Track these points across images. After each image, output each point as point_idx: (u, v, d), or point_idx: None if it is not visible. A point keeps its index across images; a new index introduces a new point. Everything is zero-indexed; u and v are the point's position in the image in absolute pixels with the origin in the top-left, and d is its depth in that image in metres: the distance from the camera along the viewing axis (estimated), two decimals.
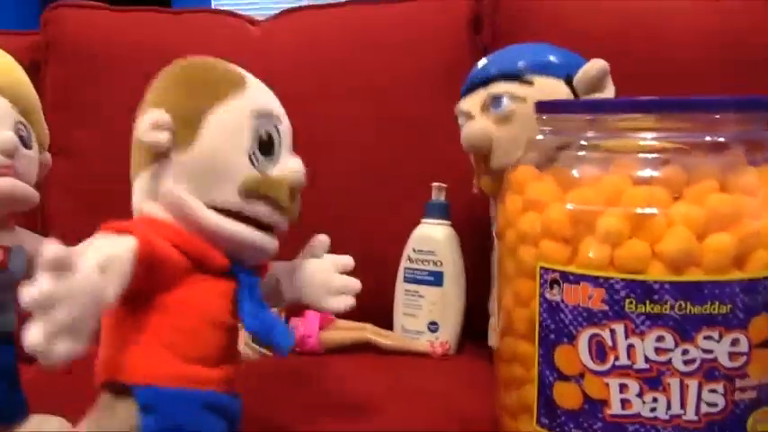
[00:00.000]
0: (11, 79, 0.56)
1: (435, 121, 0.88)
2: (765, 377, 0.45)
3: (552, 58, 0.68)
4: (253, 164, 0.50)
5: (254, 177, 0.49)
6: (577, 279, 0.46)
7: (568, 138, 0.52)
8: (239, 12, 0.95)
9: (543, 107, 0.54)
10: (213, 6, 2.46)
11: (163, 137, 0.47)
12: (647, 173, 0.47)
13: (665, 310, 0.44)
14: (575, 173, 0.50)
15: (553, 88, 0.67)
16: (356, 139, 0.88)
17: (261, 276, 0.53)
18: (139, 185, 0.51)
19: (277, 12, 0.94)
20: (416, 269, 0.80)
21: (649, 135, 0.48)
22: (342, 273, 0.58)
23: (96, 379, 0.46)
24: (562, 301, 0.47)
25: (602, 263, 0.45)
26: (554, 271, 0.47)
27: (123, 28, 0.92)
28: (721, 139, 0.48)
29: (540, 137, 0.54)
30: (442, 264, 0.79)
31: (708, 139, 0.48)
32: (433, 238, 0.80)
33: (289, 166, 0.52)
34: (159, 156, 0.49)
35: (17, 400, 0.55)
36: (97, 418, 0.45)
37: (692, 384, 0.44)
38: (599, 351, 0.46)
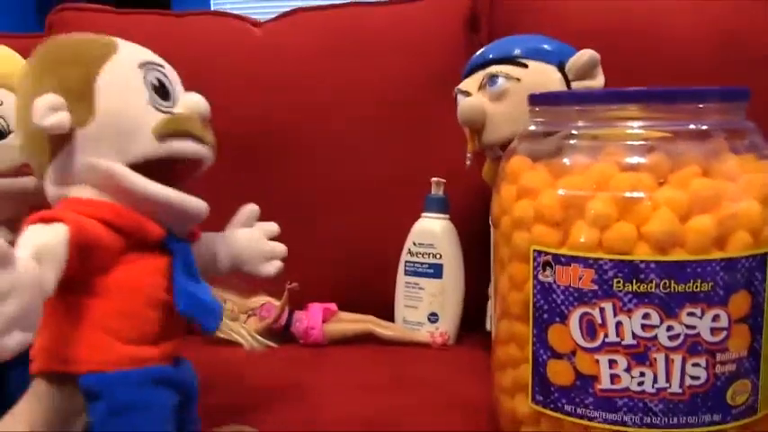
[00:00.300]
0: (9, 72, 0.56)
1: (434, 119, 0.91)
2: (744, 351, 0.48)
3: (546, 46, 0.73)
4: (157, 109, 0.49)
5: (164, 119, 0.49)
6: (568, 261, 0.48)
7: (560, 128, 0.55)
8: (238, 13, 0.98)
9: (536, 99, 0.57)
10: (213, 8, 2.48)
11: (64, 116, 0.46)
12: (633, 160, 0.50)
13: (651, 288, 0.46)
14: (566, 161, 0.53)
15: (546, 72, 0.71)
16: (357, 137, 0.91)
17: (191, 242, 0.53)
18: (53, 177, 0.49)
19: (277, 14, 0.97)
20: (417, 262, 0.83)
21: (636, 124, 0.51)
22: (269, 239, 0.60)
23: (32, 367, 0.45)
24: (554, 282, 0.49)
25: (592, 245, 0.48)
26: (546, 254, 0.49)
27: (127, 30, 0.93)
28: (704, 128, 0.51)
29: (532, 127, 0.57)
30: (441, 256, 0.82)
31: (691, 127, 0.50)
32: (433, 231, 0.83)
33: (187, 100, 0.51)
34: (62, 139, 0.47)
35: None
36: (35, 407, 0.45)
37: (677, 359, 0.47)
38: (589, 329, 0.48)
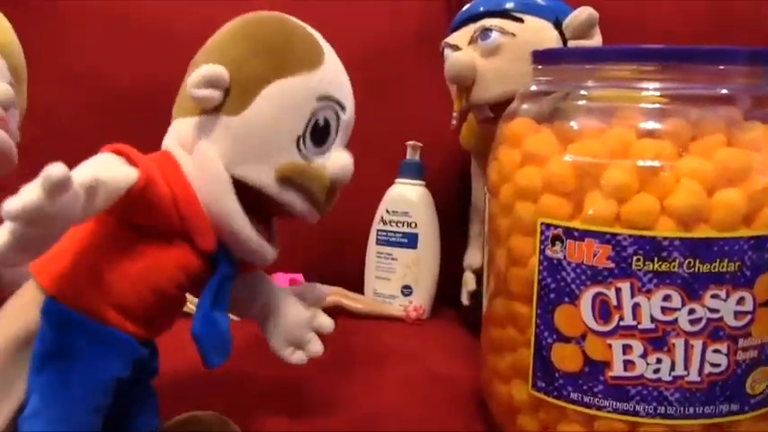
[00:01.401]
0: (8, 41, 0.53)
1: (409, 77, 0.85)
2: (766, 336, 0.44)
3: (541, 1, 0.67)
4: (299, 149, 0.45)
5: (293, 164, 0.45)
6: (582, 235, 0.44)
7: (566, 88, 0.50)
8: None
9: (540, 56, 0.51)
10: None
11: (214, 95, 0.43)
12: (650, 125, 0.45)
13: (674, 267, 0.42)
14: (573, 124, 0.48)
15: (542, 29, 0.66)
16: None
17: (242, 271, 0.49)
18: (177, 129, 0.46)
19: None
20: (390, 231, 0.78)
21: (651, 85, 0.46)
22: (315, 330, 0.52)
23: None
24: (564, 258, 0.44)
25: (609, 218, 0.43)
26: (556, 227, 0.45)
27: None
28: (726, 92, 0.46)
29: (534, 87, 0.52)
30: (416, 225, 0.77)
31: (716, 91, 0.46)
32: (408, 198, 0.78)
33: (335, 159, 0.47)
34: (207, 110, 0.44)
35: None
36: (12, 308, 0.43)
37: (697, 344, 0.43)
38: (603, 311, 0.44)
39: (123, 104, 0.82)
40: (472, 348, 0.67)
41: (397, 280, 0.77)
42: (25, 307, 0.42)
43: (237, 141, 0.44)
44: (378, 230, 0.78)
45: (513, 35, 0.65)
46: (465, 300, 0.79)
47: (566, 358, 0.45)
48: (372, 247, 0.79)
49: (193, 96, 0.43)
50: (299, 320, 0.51)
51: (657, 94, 0.46)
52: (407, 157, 0.79)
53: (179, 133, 0.46)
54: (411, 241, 0.77)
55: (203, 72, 0.43)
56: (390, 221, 0.77)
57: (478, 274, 0.79)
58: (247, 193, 0.44)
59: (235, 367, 0.60)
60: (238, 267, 0.47)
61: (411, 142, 0.78)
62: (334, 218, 0.80)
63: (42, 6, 0.85)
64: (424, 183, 0.79)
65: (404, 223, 0.77)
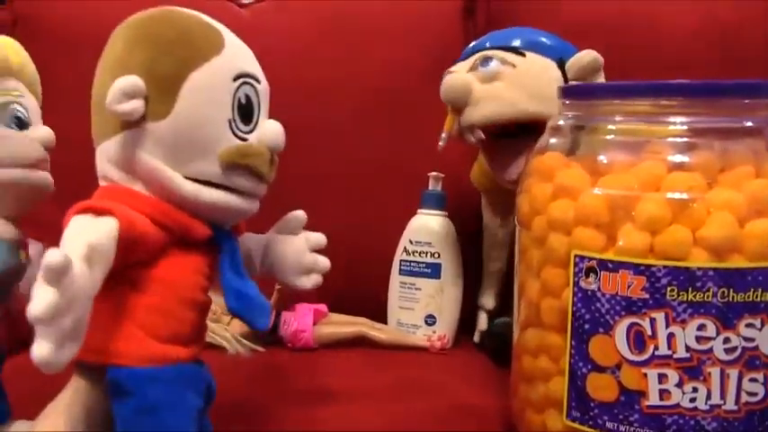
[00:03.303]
0: (30, 69, 0.54)
1: (429, 109, 0.86)
2: None
3: (546, 40, 0.69)
4: (233, 132, 0.46)
5: (234, 148, 0.46)
6: (616, 267, 0.44)
7: (594, 123, 0.51)
8: None
9: (568, 91, 0.53)
10: None
11: (136, 106, 0.43)
12: (678, 158, 0.46)
13: (708, 297, 0.43)
14: (603, 158, 0.49)
15: (544, 65, 0.67)
16: (349, 127, 0.86)
17: (238, 235, 0.51)
18: (106, 152, 0.46)
19: None
20: (413, 261, 0.78)
21: (678, 119, 0.47)
22: (313, 251, 0.55)
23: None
24: (599, 289, 0.45)
25: (643, 250, 0.44)
26: (590, 259, 0.45)
27: (102, 6, 0.87)
28: (752, 125, 0.47)
29: (561, 122, 0.53)
30: (439, 255, 0.78)
31: (740, 124, 0.47)
32: (431, 228, 0.78)
33: (266, 129, 0.48)
34: (130, 123, 0.44)
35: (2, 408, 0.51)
36: (65, 401, 0.43)
37: (733, 374, 0.43)
38: (637, 341, 0.44)
39: None
40: (498, 378, 0.68)
41: (421, 309, 0.78)
42: (78, 391, 0.43)
43: (172, 142, 0.44)
44: (401, 261, 0.79)
45: (513, 65, 0.66)
46: (476, 338, 0.80)
47: (601, 388, 0.46)
48: (396, 278, 0.80)
49: (119, 112, 0.43)
50: (296, 250, 0.54)
51: (685, 127, 0.47)
52: (430, 187, 0.80)
53: (110, 156, 0.46)
54: (434, 271, 0.78)
55: (119, 86, 0.43)
56: (414, 252, 0.78)
57: (491, 315, 0.80)
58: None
59: (252, 401, 0.61)
60: (234, 235, 0.50)
61: (433, 173, 0.79)
62: (358, 248, 0.81)
63: (57, 35, 0.86)
64: (446, 213, 0.79)
65: (427, 253, 0.78)
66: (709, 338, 0.43)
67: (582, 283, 0.46)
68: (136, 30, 0.46)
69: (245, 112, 0.47)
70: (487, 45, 0.70)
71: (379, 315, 0.81)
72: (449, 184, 0.81)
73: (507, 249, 0.79)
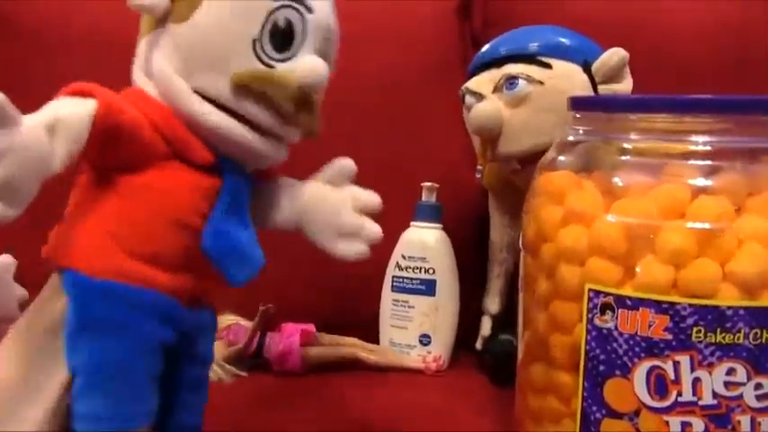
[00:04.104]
0: None
1: (423, 116, 0.82)
2: None
3: (566, 41, 0.64)
4: (256, 54, 0.40)
5: (249, 70, 0.40)
6: (636, 304, 0.40)
7: (607, 139, 0.47)
8: None
9: (579, 104, 0.48)
10: None
11: (155, 2, 0.40)
12: (700, 182, 0.42)
13: (738, 339, 0.39)
14: (618, 180, 0.45)
15: (571, 74, 0.62)
16: (337, 135, 0.80)
17: (257, 182, 0.45)
18: (138, 53, 0.43)
19: None
20: (406, 277, 0.74)
21: (702, 138, 0.43)
22: (360, 212, 0.46)
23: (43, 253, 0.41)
24: (616, 328, 0.41)
25: (665, 285, 0.40)
26: (606, 294, 0.41)
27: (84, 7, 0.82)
28: None
29: (571, 137, 0.49)
30: (434, 271, 0.73)
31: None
32: (425, 242, 0.74)
33: (302, 63, 0.41)
34: (157, 22, 0.41)
35: None
36: (35, 306, 0.40)
37: (765, 422, 0.39)
38: (659, 385, 0.40)
39: None
40: (499, 402, 0.64)
41: (415, 329, 0.74)
42: (49, 297, 0.40)
43: (188, 49, 0.40)
44: (393, 277, 0.74)
45: (542, 83, 0.61)
46: (479, 345, 0.76)
47: None
48: (388, 295, 0.75)
49: (135, 4, 0.40)
50: (338, 204, 0.45)
51: (708, 147, 0.43)
52: (423, 198, 0.75)
53: (138, 58, 0.43)
54: (429, 288, 0.73)
55: None
56: (407, 267, 0.74)
57: (496, 320, 0.76)
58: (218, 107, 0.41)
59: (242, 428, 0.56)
60: (257, 179, 0.44)
61: (427, 183, 0.75)
62: (347, 264, 0.76)
63: (31, 36, 0.81)
64: (441, 225, 0.75)
65: (421, 269, 0.73)
66: (740, 384, 0.39)
67: (597, 321, 0.42)
68: None
69: (281, 37, 0.41)
70: (502, 52, 0.65)
71: (371, 335, 0.76)
72: (444, 195, 0.76)
73: (514, 252, 0.75)
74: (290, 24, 0.41)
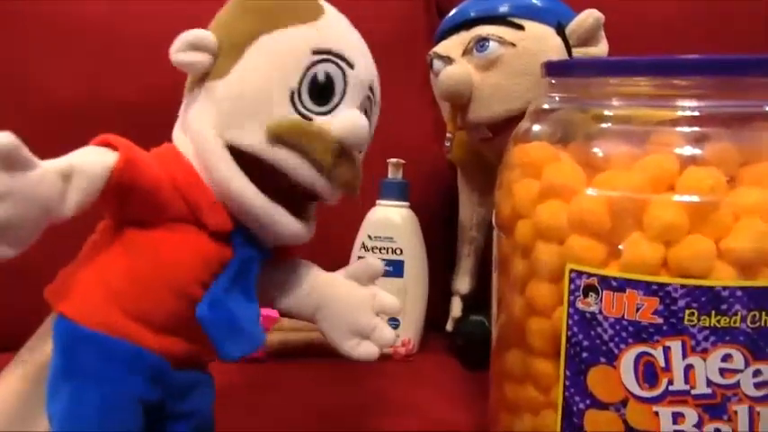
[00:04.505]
0: None
1: (387, 90, 0.76)
2: None
3: (539, 3, 0.61)
4: (294, 105, 0.40)
5: (286, 120, 0.40)
6: (622, 285, 0.37)
7: (586, 106, 0.43)
8: None
9: (554, 69, 0.44)
10: None
11: (196, 59, 0.40)
12: (688, 150, 0.39)
13: (735, 322, 0.35)
14: (597, 150, 0.41)
15: (544, 35, 0.59)
16: None
17: (273, 259, 0.44)
18: (180, 112, 0.44)
19: None
20: None
21: (689, 103, 0.39)
22: (377, 313, 0.46)
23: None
24: (600, 312, 0.37)
25: (654, 264, 0.36)
26: (589, 275, 0.37)
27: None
28: None
29: (546, 105, 0.45)
30: (402, 251, 0.69)
31: (761, 108, 0.39)
32: (392, 221, 0.70)
33: (342, 117, 0.41)
34: (197, 81, 0.42)
35: None
36: (31, 343, 0.41)
37: (765, 412, 0.36)
38: (648, 374, 0.37)
39: (67, 118, 0.73)
40: (470, 388, 0.61)
41: None
42: (44, 336, 0.40)
43: (225, 103, 0.40)
44: (359, 257, 0.71)
45: (513, 45, 0.58)
46: (450, 326, 0.73)
47: (602, 427, 0.38)
48: None
49: (175, 61, 0.41)
50: (357, 302, 0.44)
51: (696, 113, 0.39)
52: (389, 175, 0.71)
53: (179, 116, 0.44)
54: (396, 269, 0.69)
55: (185, 36, 0.41)
56: (373, 248, 0.70)
57: (466, 300, 0.73)
58: (255, 168, 0.40)
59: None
60: (274, 255, 0.43)
61: (393, 160, 0.71)
62: (310, 244, 0.72)
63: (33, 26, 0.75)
64: (408, 204, 0.71)
65: (388, 249, 0.69)
66: (736, 371, 0.36)
67: (579, 304, 0.38)
68: None
69: (321, 91, 0.41)
70: (472, 14, 0.61)
71: None
72: (410, 171, 0.72)
73: (484, 230, 0.73)
74: (330, 78, 0.41)
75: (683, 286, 0.35)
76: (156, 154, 0.41)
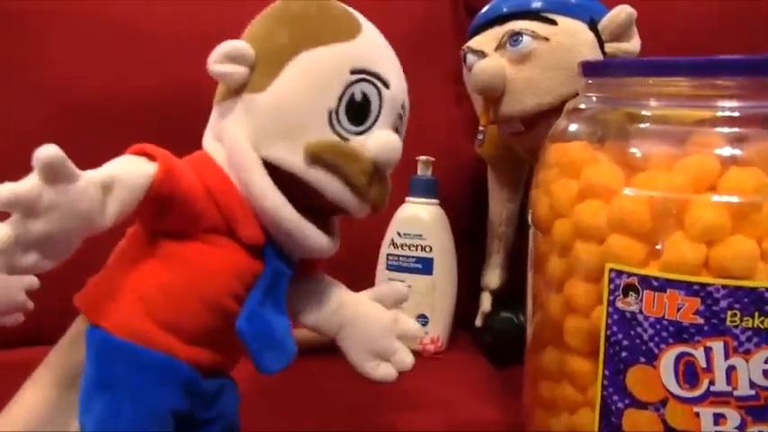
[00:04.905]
0: None
1: (416, 88, 0.77)
2: None
3: None
4: (332, 126, 0.40)
5: (324, 141, 0.40)
6: (663, 285, 0.37)
7: (623, 106, 0.43)
8: None
9: (591, 68, 0.44)
10: None
11: (236, 71, 0.40)
12: (727, 151, 0.39)
13: None
14: (636, 150, 0.41)
15: (577, 30, 0.59)
16: None
17: (304, 273, 0.44)
18: (211, 119, 0.44)
19: None
20: (402, 255, 0.70)
21: (729, 104, 0.39)
22: (399, 337, 0.46)
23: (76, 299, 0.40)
24: (640, 311, 0.38)
25: (696, 265, 0.36)
26: (630, 275, 0.38)
27: None
28: None
29: (583, 105, 0.45)
30: (431, 249, 0.70)
31: None
32: (421, 219, 0.70)
33: (377, 137, 0.41)
34: (233, 92, 0.41)
35: None
36: (60, 346, 0.40)
37: None
38: (689, 374, 0.37)
39: (94, 117, 0.73)
40: (501, 386, 0.61)
41: (412, 309, 0.70)
42: (73, 341, 0.40)
43: (263, 118, 0.40)
44: (388, 255, 0.71)
45: (547, 39, 0.58)
46: (479, 321, 0.73)
47: (641, 427, 0.38)
48: (382, 274, 0.71)
49: (212, 72, 0.40)
50: (380, 325, 0.45)
51: (736, 113, 0.39)
52: (419, 172, 0.71)
53: (211, 123, 0.43)
54: (426, 267, 0.70)
55: (223, 47, 0.40)
56: (402, 245, 0.70)
57: (495, 294, 0.73)
58: (288, 183, 0.40)
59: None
60: (299, 268, 0.43)
61: (423, 157, 0.71)
62: (339, 242, 0.73)
63: (8, 16, 0.76)
64: (437, 201, 0.71)
65: (417, 247, 0.70)
66: None
67: (619, 304, 0.38)
68: (276, 7, 0.43)
69: (358, 110, 0.41)
70: (504, 9, 0.62)
71: None
72: (439, 168, 0.72)
73: (514, 226, 0.73)
74: (366, 98, 0.41)
75: (724, 287, 0.35)
76: (190, 161, 0.41)
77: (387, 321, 0.45)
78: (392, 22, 0.78)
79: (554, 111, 0.58)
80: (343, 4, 0.43)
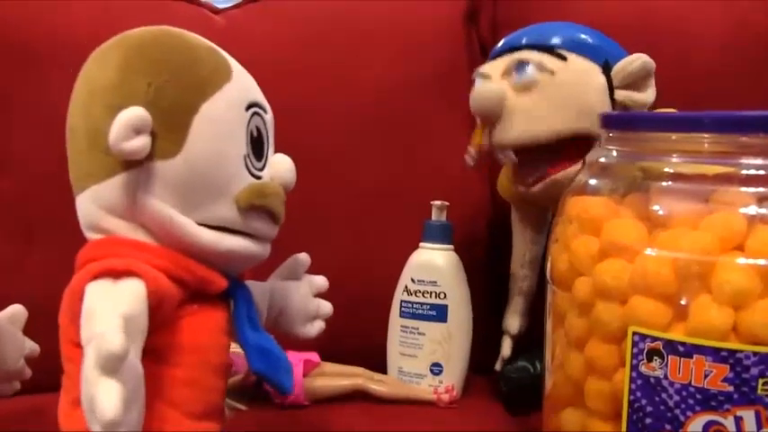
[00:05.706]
0: None
1: (430, 127, 0.77)
2: None
3: (590, 39, 0.60)
4: (249, 170, 0.40)
5: (251, 188, 0.40)
6: (689, 351, 0.35)
7: (645, 162, 0.42)
8: None
9: (612, 121, 0.44)
10: None
11: (145, 143, 0.36)
12: (753, 210, 0.38)
13: None
14: (657, 208, 0.40)
15: (587, 70, 0.58)
16: (338, 149, 0.76)
17: (243, 280, 0.45)
18: (98, 197, 0.39)
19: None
20: (416, 302, 0.69)
21: (754, 161, 0.38)
22: (316, 295, 0.52)
23: None
24: (665, 377, 0.36)
25: (724, 330, 0.35)
26: (654, 339, 0.36)
27: (69, 16, 0.76)
28: None
29: (603, 159, 0.44)
30: (446, 296, 0.68)
31: None
32: (436, 265, 0.69)
33: (278, 166, 0.43)
34: (132, 163, 0.37)
35: None
36: None
37: None
38: None
39: None
40: None
41: (426, 357, 0.69)
42: None
43: (186, 185, 0.38)
44: (402, 302, 0.70)
45: (552, 73, 0.57)
46: (498, 366, 0.72)
47: None
48: (396, 321, 0.70)
49: (126, 151, 0.36)
50: (301, 296, 0.50)
51: (762, 172, 0.38)
52: (433, 217, 0.70)
53: (104, 201, 0.39)
54: (440, 314, 0.68)
55: (126, 120, 0.36)
56: (416, 291, 0.69)
57: (516, 340, 0.72)
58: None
59: None
60: (242, 282, 0.44)
61: (437, 202, 0.70)
62: (352, 288, 0.72)
63: (23, 50, 0.76)
64: (452, 246, 0.70)
65: (431, 293, 0.69)
66: None
67: (643, 368, 0.37)
68: (132, 52, 0.39)
69: (258, 146, 0.41)
70: (524, 42, 0.61)
71: (378, 363, 0.71)
72: (454, 212, 0.71)
73: (537, 269, 0.72)
74: (259, 131, 0.42)
75: (755, 353, 0.34)
76: (123, 253, 0.38)
77: (305, 289, 0.50)
78: (407, 65, 0.79)
79: (549, 149, 0.58)
80: (198, 38, 0.41)
